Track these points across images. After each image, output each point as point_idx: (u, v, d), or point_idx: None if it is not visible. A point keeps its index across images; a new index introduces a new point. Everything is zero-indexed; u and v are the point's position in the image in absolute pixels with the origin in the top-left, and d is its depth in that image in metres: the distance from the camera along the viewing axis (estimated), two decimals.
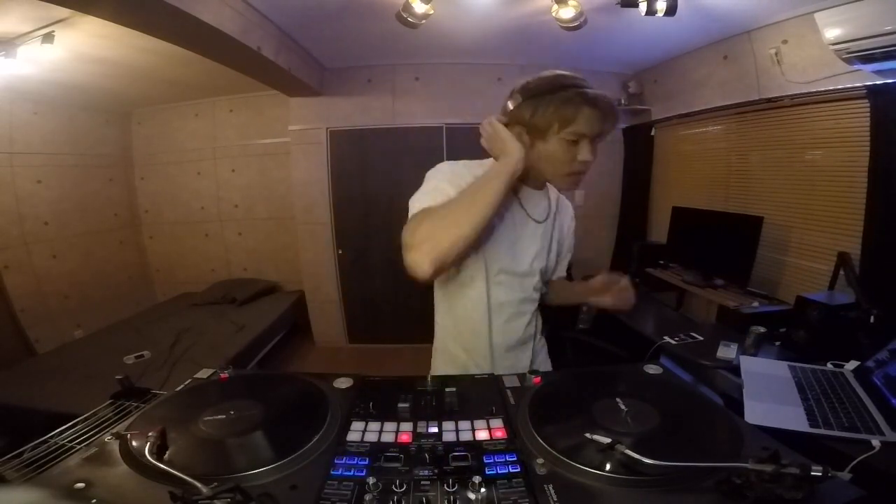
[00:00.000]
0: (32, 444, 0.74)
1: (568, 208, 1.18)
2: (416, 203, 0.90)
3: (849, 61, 1.81)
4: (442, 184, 0.92)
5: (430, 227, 0.82)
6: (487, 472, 0.62)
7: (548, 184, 1.07)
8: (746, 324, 1.73)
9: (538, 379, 0.89)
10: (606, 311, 1.06)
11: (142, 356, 2.58)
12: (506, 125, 0.94)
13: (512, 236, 1.01)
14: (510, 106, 0.95)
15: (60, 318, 3.28)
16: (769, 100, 2.32)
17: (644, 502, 0.57)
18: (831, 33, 1.80)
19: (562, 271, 1.22)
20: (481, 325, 1.05)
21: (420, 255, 0.81)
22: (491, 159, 0.96)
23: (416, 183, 0.99)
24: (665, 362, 1.13)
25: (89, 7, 1.66)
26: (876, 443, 0.97)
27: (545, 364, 1.22)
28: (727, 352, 1.65)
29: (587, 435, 0.65)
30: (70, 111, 3.47)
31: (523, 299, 1.08)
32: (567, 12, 2.08)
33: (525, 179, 1.01)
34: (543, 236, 1.06)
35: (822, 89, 2.03)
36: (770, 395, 1.21)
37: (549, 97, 0.89)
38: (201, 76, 3.09)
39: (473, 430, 0.73)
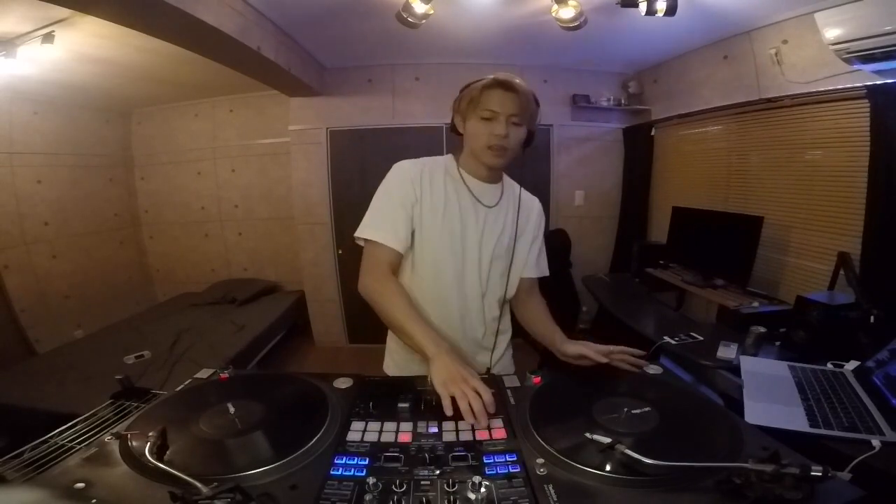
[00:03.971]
0: (32, 444, 0.74)
1: (533, 202, 1.23)
2: (367, 230, 1.05)
3: (849, 61, 1.81)
4: (386, 208, 1.05)
5: (373, 295, 1.01)
6: (487, 472, 0.62)
7: (503, 182, 1.18)
8: (746, 324, 1.73)
9: (538, 379, 0.89)
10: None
11: (142, 356, 2.58)
12: (453, 118, 1.12)
13: (461, 223, 1.09)
14: (454, 102, 1.12)
15: (60, 318, 3.28)
16: (769, 100, 2.32)
17: (644, 502, 0.57)
18: (831, 33, 1.80)
19: (536, 270, 1.21)
20: (438, 317, 1.10)
21: (362, 290, 1.03)
22: (447, 158, 1.15)
23: None
24: (665, 362, 1.13)
25: (89, 7, 1.66)
26: (876, 443, 0.97)
27: (507, 365, 1.23)
28: (727, 352, 1.65)
29: (587, 435, 0.65)
30: (70, 111, 3.47)
31: (481, 293, 1.12)
32: (567, 12, 2.08)
33: (472, 172, 1.12)
34: (495, 220, 1.13)
35: (822, 89, 2.03)
36: (770, 395, 1.21)
37: (471, 85, 1.06)
38: (201, 76, 3.09)
39: (473, 430, 0.73)
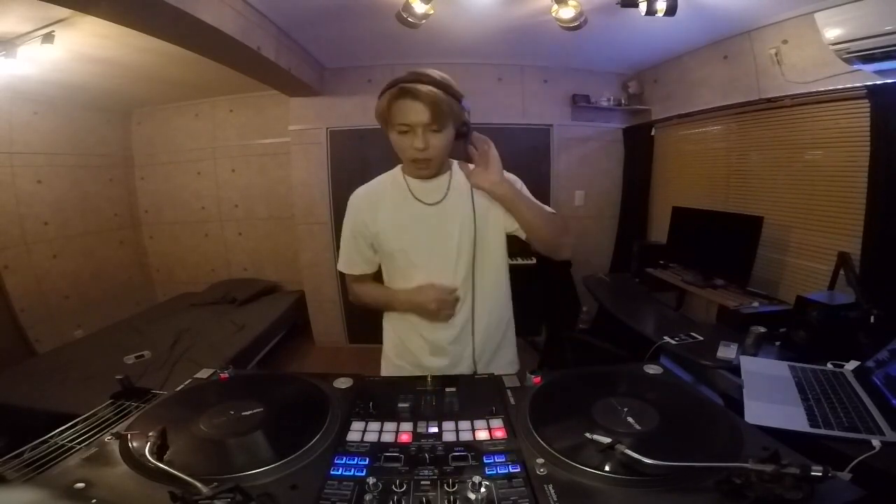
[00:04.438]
0: (32, 444, 0.74)
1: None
2: (340, 264, 1.21)
3: (849, 61, 1.81)
4: (348, 244, 1.17)
5: (361, 300, 1.21)
6: (487, 472, 0.62)
7: (452, 170, 1.14)
8: (746, 324, 1.73)
9: (538, 379, 0.89)
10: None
11: (142, 356, 2.58)
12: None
13: (414, 227, 1.10)
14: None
15: (60, 318, 3.28)
16: (769, 100, 2.32)
17: (644, 502, 0.57)
18: (831, 33, 1.80)
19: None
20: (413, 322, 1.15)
21: (352, 301, 1.24)
22: (397, 167, 1.17)
23: None
24: (665, 362, 1.13)
25: (89, 7, 1.65)
26: (876, 443, 0.97)
27: (509, 364, 1.21)
28: (727, 352, 1.65)
29: (587, 435, 0.65)
30: (70, 111, 3.47)
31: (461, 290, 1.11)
32: (567, 12, 2.08)
33: (412, 173, 1.12)
34: (448, 214, 1.10)
35: (822, 89, 2.03)
36: (770, 395, 1.21)
37: (381, 97, 1.00)
38: (201, 76, 3.09)
39: (473, 430, 0.73)
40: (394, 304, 1.16)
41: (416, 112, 0.95)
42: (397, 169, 1.17)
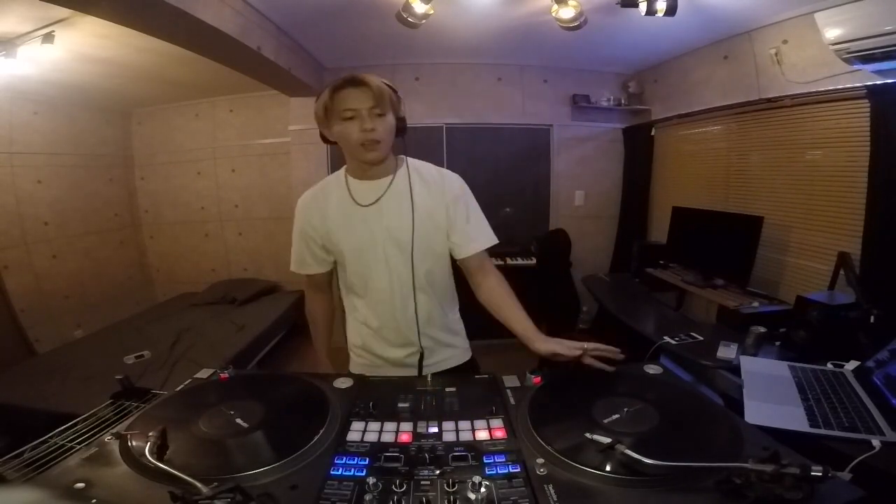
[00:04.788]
0: (32, 444, 0.74)
1: (442, 178, 1.17)
2: (293, 265, 1.27)
3: (849, 61, 1.81)
4: (298, 244, 1.23)
5: (308, 310, 1.38)
6: (487, 472, 0.62)
7: (396, 173, 1.14)
8: (746, 324, 1.73)
9: (538, 379, 0.89)
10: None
11: (142, 356, 2.57)
12: (320, 130, 1.13)
13: (357, 227, 1.13)
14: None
15: (60, 318, 3.28)
16: (769, 100, 2.32)
17: (644, 502, 0.57)
18: (831, 33, 1.80)
19: (473, 245, 1.16)
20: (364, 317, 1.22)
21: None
22: (341, 170, 1.18)
23: None
24: (665, 362, 1.13)
25: (89, 7, 1.65)
26: (876, 443, 0.97)
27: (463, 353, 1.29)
28: (727, 352, 1.65)
29: (587, 435, 0.65)
30: (70, 111, 3.47)
31: (402, 291, 1.14)
32: (567, 12, 2.08)
33: (355, 174, 1.15)
34: (383, 215, 1.12)
35: (822, 89, 2.03)
36: (770, 395, 1.21)
37: (320, 95, 1.07)
38: (201, 76, 3.09)
39: (473, 430, 0.73)
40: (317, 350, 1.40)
41: (360, 97, 1.02)
42: (341, 170, 1.19)
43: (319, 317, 1.36)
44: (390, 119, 1.07)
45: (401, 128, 1.10)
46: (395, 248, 1.11)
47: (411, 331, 1.16)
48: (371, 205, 1.12)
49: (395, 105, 1.08)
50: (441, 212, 1.13)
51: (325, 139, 1.15)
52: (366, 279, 1.16)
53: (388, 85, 1.06)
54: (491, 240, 1.17)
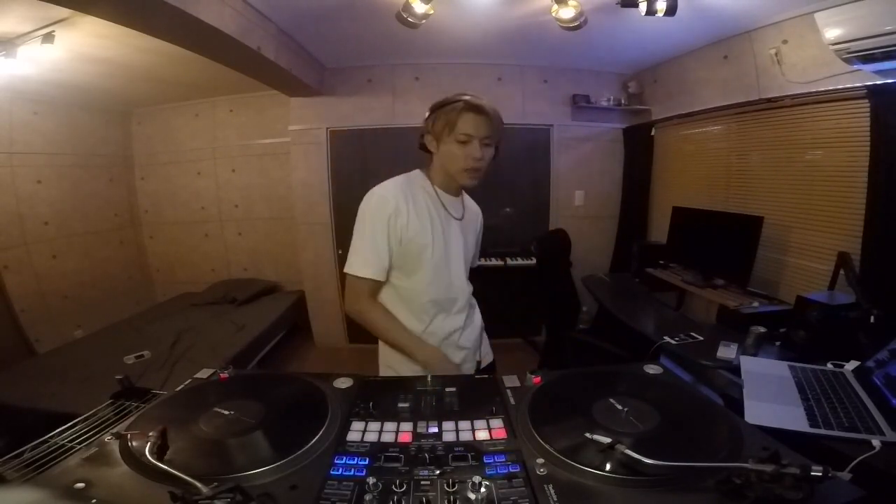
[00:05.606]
0: (32, 444, 0.74)
1: (476, 208, 1.37)
2: (356, 267, 1.13)
3: (849, 61, 1.81)
4: (369, 241, 1.12)
5: (366, 320, 1.16)
6: (487, 472, 0.62)
7: (463, 194, 1.28)
8: (746, 324, 1.73)
9: (538, 379, 0.89)
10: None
11: (142, 356, 2.58)
12: (423, 136, 1.18)
13: (443, 235, 1.19)
14: (426, 119, 1.18)
15: (60, 318, 3.28)
16: (769, 100, 2.32)
17: (644, 502, 0.57)
18: (831, 33, 1.80)
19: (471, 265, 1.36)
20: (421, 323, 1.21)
21: (350, 314, 1.18)
22: (417, 174, 1.21)
23: None
24: (665, 362, 1.13)
25: (89, 7, 1.65)
26: (876, 443, 0.97)
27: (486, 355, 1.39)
28: (727, 352, 1.65)
29: (587, 435, 0.65)
30: (70, 111, 3.47)
31: (457, 297, 1.23)
32: (567, 12, 2.08)
33: (443, 187, 1.21)
34: (463, 231, 1.25)
35: (822, 89, 2.03)
36: (770, 395, 1.21)
37: (443, 108, 1.12)
38: (201, 76, 3.09)
39: (473, 430, 0.73)
40: (397, 342, 1.15)
41: (480, 124, 1.09)
42: (420, 177, 1.21)
43: (389, 313, 1.19)
44: (493, 150, 1.15)
45: (496, 154, 1.18)
46: (465, 264, 1.26)
47: (471, 341, 1.27)
48: (460, 219, 1.23)
49: (500, 137, 1.15)
50: (474, 238, 1.33)
51: (422, 147, 1.20)
52: (437, 290, 1.18)
53: (499, 115, 1.13)
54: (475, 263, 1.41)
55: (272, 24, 2.40)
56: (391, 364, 1.22)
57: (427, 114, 1.17)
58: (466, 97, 1.11)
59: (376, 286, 1.17)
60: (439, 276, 1.18)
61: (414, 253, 1.14)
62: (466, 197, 1.31)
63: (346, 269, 1.14)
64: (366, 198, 1.15)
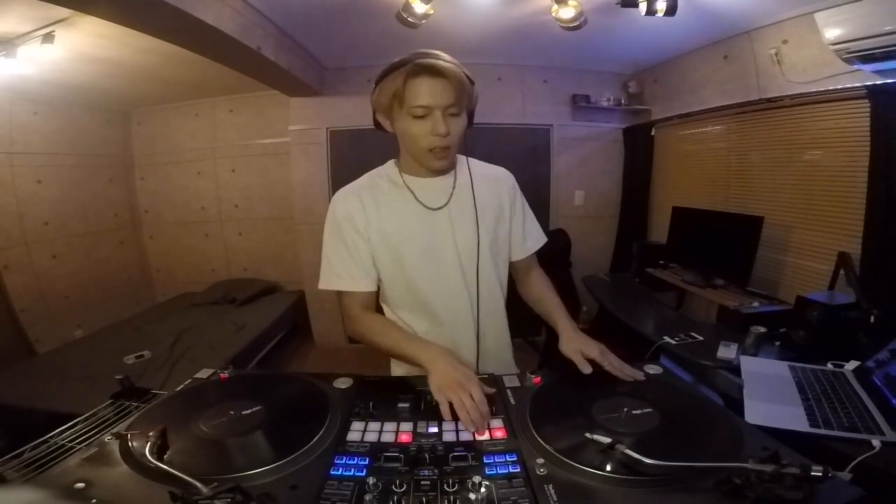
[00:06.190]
0: (32, 444, 0.74)
1: (499, 176, 1.09)
2: (329, 281, 1.01)
3: (849, 61, 1.81)
4: (340, 252, 1.00)
5: (362, 335, 0.99)
6: (487, 472, 0.62)
7: (456, 169, 1.04)
8: (746, 324, 1.73)
9: (538, 379, 0.89)
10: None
11: (142, 356, 2.57)
12: (374, 114, 0.97)
13: (419, 231, 1.00)
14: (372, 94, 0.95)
15: (60, 318, 3.28)
16: (769, 100, 2.32)
17: (644, 502, 0.57)
18: (831, 33, 1.79)
19: (524, 249, 1.11)
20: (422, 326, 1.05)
21: (352, 335, 1.03)
22: (389, 164, 1.05)
23: None
24: (665, 362, 1.13)
25: (89, 7, 1.65)
26: (876, 443, 0.97)
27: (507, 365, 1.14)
28: (727, 352, 1.64)
29: (587, 435, 0.65)
30: (70, 111, 3.47)
31: (468, 296, 1.03)
32: (567, 12, 2.08)
33: (414, 172, 1.01)
34: (452, 218, 1.00)
35: (822, 89, 2.03)
36: (770, 395, 1.21)
37: (388, 77, 0.89)
38: (201, 76, 3.09)
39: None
40: (404, 354, 0.93)
41: (438, 91, 0.85)
42: (389, 167, 1.05)
43: (386, 321, 1.03)
44: (464, 119, 0.92)
45: (469, 121, 0.95)
46: (463, 258, 1.00)
47: (471, 354, 1.04)
48: (441, 208, 0.99)
49: (470, 98, 0.92)
50: (501, 214, 1.04)
51: (378, 126, 0.98)
52: (424, 294, 1.01)
53: (465, 74, 0.89)
54: (542, 238, 1.11)
55: (272, 24, 2.40)
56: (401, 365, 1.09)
57: (373, 86, 0.95)
58: (412, 60, 0.86)
59: (364, 297, 1.01)
60: (427, 281, 1.00)
61: (393, 257, 0.99)
62: (471, 167, 1.04)
63: (319, 286, 1.02)
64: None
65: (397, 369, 1.11)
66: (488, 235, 1.02)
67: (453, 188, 1.01)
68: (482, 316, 1.05)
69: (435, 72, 0.85)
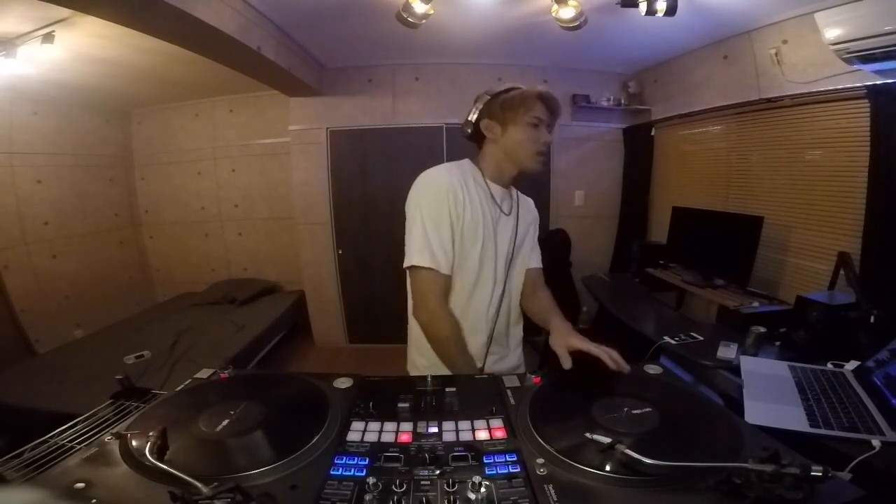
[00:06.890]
0: (32, 444, 0.74)
1: (530, 205, 1.27)
2: (420, 256, 1.01)
3: (849, 61, 1.81)
4: (434, 231, 1.02)
5: (436, 332, 1.04)
6: (487, 472, 0.62)
7: (512, 186, 1.20)
8: (746, 324, 1.73)
9: (538, 379, 0.89)
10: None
11: (142, 356, 2.58)
12: (476, 122, 1.10)
13: (493, 231, 1.12)
14: (479, 105, 1.10)
15: (60, 318, 3.28)
16: (769, 100, 2.32)
17: (644, 502, 0.57)
18: (831, 33, 1.80)
19: (534, 262, 1.25)
20: (479, 319, 1.13)
21: (420, 320, 1.06)
22: (465, 164, 1.14)
23: None
24: (665, 362, 1.13)
25: (89, 7, 1.66)
26: (876, 443, 0.97)
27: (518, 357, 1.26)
28: (727, 352, 1.65)
29: (587, 435, 0.65)
30: (70, 111, 3.47)
31: (500, 295, 1.15)
32: (567, 12, 2.08)
33: (495, 179, 1.14)
34: (512, 227, 1.17)
35: (822, 89, 2.03)
36: (770, 395, 1.21)
37: (513, 92, 1.08)
38: (201, 76, 3.09)
39: (473, 430, 0.73)
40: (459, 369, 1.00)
41: (548, 109, 1.07)
42: (470, 166, 1.14)
43: (460, 332, 1.08)
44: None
45: None
46: (503, 262, 1.14)
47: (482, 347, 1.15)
48: (510, 214, 1.15)
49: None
50: (527, 232, 1.21)
51: (474, 136, 1.13)
52: (472, 289, 1.10)
53: None
54: (540, 264, 1.26)
55: (272, 24, 2.40)
56: (418, 366, 1.16)
57: (483, 99, 1.09)
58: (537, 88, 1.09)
59: (446, 284, 1.03)
60: (486, 278, 1.11)
61: (465, 248, 1.06)
62: (519, 193, 1.23)
63: (409, 262, 1.01)
64: (417, 182, 1.06)
65: (414, 371, 1.16)
66: (521, 245, 1.19)
67: (516, 204, 1.19)
68: (500, 315, 1.16)
69: (554, 99, 1.08)
